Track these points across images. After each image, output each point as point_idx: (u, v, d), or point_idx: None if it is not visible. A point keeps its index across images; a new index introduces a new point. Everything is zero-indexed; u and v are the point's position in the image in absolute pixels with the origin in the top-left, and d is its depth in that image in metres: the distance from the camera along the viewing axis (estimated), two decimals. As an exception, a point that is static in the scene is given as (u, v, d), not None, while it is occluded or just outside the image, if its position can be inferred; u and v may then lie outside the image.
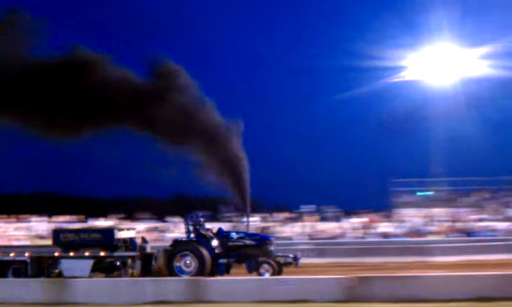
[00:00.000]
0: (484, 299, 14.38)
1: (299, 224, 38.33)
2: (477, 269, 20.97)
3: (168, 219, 39.35)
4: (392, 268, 23.36)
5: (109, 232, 21.95)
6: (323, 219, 40.00)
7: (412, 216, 38.33)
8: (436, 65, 42.69)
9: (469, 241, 31.56)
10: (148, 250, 22.12)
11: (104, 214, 42.15)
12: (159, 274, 20.68)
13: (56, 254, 21.47)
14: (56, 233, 22.19)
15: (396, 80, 45.98)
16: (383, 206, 46.71)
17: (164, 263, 21.06)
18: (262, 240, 22.19)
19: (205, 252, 21.07)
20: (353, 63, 55.27)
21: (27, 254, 21.70)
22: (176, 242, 22.07)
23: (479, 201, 43.59)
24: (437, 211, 40.35)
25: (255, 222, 37.73)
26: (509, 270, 18.43)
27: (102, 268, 21.35)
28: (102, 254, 21.07)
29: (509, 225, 35.80)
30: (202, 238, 21.69)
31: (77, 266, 20.81)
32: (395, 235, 34.81)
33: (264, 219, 39.34)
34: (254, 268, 20.75)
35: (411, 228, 35.16)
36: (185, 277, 19.94)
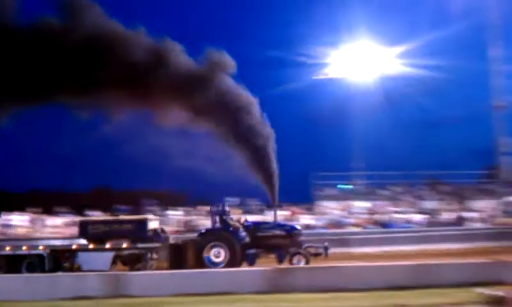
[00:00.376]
0: (398, 288, 14.91)
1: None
2: (392, 259, 21.81)
3: (88, 212, 38.13)
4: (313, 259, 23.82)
5: (142, 223, 21.10)
6: (247, 212, 40.16)
7: (332, 209, 39.24)
8: (357, 63, 43.89)
9: (385, 232, 32.59)
10: (171, 241, 21.66)
11: (19, 208, 40.18)
12: (186, 266, 19.91)
13: (74, 246, 20.50)
14: (84, 225, 21.24)
15: (321, 77, 46.74)
16: (305, 199, 47.64)
17: (193, 255, 20.47)
18: (291, 230, 22.16)
19: (235, 242, 20.76)
20: (279, 60, 55.52)
21: (41, 248, 20.58)
22: (206, 232, 21.48)
23: (395, 194, 45.36)
24: (356, 204, 41.49)
25: (177, 216, 37.38)
26: (422, 260, 19.28)
27: (125, 260, 20.51)
28: (124, 246, 20.23)
29: (423, 217, 37.35)
30: (231, 228, 21.36)
31: (96, 259, 19.82)
32: (316, 227, 35.48)
33: (187, 213, 39.00)
34: (284, 258, 20.65)
35: (331, 220, 35.95)
36: (215, 268, 19.48)
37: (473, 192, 45.97)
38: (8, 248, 20.92)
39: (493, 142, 28.83)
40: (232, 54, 24.13)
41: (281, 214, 36.04)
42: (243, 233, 21.23)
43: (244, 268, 19.25)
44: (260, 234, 21.36)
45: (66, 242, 21.60)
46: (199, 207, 40.79)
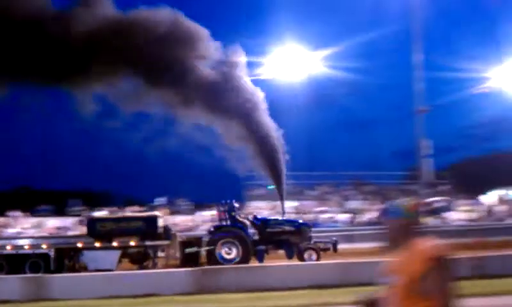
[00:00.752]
0: (324, 286, 15.27)
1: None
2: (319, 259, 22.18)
3: (9, 213, 36.47)
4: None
5: (152, 220, 20.62)
6: (176, 212, 39.76)
7: (262, 208, 39.47)
8: (285, 65, 44.30)
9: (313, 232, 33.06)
10: (179, 238, 21.07)
11: None
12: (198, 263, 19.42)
13: (80, 245, 19.69)
14: (92, 222, 20.58)
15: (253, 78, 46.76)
16: (235, 199, 47.72)
17: (205, 252, 20.10)
18: (301, 226, 21.94)
19: (247, 238, 20.45)
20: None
21: (45, 246, 19.64)
22: (217, 229, 21.02)
23: (322, 194, 46.33)
24: (285, 203, 41.89)
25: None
26: (347, 259, 19.75)
27: (132, 258, 20.03)
28: (132, 243, 19.59)
29: (349, 217, 38.29)
30: (240, 225, 21.04)
31: (103, 258, 19.07)
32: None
33: (112, 213, 38.05)
34: (294, 254, 20.39)
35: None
36: (228, 265, 19.03)
37: (396, 193, 47.72)
38: (9, 247, 19.98)
39: (414, 144, 29.87)
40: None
41: (210, 214, 36.00)
42: (251, 230, 21.10)
43: (171, 269, 18.98)
44: (269, 230, 21.18)
45: (71, 241, 20.92)
46: (128, 208, 39.98)
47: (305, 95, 47.18)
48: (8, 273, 18.83)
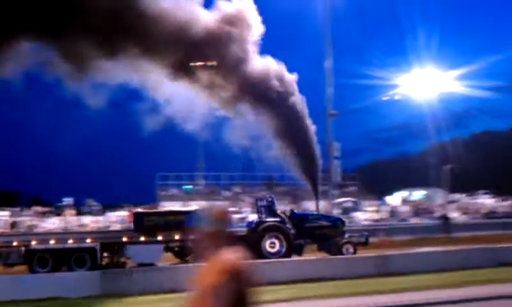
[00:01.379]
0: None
1: (58, 218, 36.38)
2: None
3: None
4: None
5: (194, 213, 18.68)
6: (84, 213, 38.71)
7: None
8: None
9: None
10: None
11: None
12: None
13: (125, 239, 19.26)
14: (139, 217, 20.14)
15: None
16: (148, 199, 47.24)
17: (251, 246, 18.90)
18: (336, 221, 22.32)
19: (289, 233, 20.34)
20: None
21: (89, 240, 18.88)
22: (260, 223, 20.67)
23: (235, 195, 46.76)
24: (197, 204, 41.90)
25: (2, 217, 34.63)
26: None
27: (176, 252, 19.93)
28: (176, 237, 19.38)
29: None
30: (281, 219, 20.93)
31: (147, 252, 18.92)
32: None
33: (14, 214, 36.38)
34: (330, 248, 20.54)
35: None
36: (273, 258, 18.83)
37: (307, 193, 49.00)
38: (52, 241, 19.06)
39: (325, 147, 30.84)
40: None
41: (121, 215, 35.37)
42: (289, 224, 20.99)
43: (73, 272, 18.33)
44: (307, 225, 21.31)
45: (116, 235, 20.52)
46: (34, 208, 38.46)
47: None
48: (52, 269, 18.30)
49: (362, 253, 20.18)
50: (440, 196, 48.72)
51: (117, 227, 30.43)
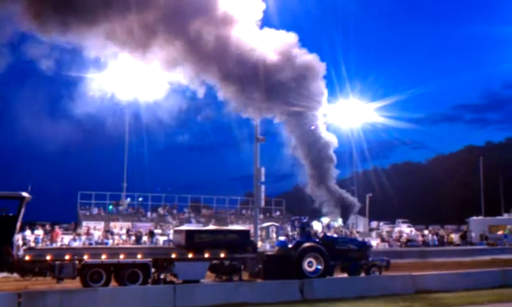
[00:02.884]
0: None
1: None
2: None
3: None
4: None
5: (246, 233, 21.35)
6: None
7: (95, 229, 38.06)
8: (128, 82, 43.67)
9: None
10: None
11: None
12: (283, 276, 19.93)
13: (174, 255, 19.49)
14: (190, 234, 20.34)
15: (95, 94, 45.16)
16: (68, 218, 45.65)
17: (291, 265, 20.76)
18: (363, 245, 23.27)
19: (326, 253, 21.09)
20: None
21: (139, 256, 18.96)
22: (300, 244, 21.36)
23: (159, 216, 46.10)
24: (119, 225, 40.99)
25: None
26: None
27: (222, 270, 20.25)
28: (222, 255, 19.97)
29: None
30: (317, 240, 21.78)
31: (194, 268, 19.42)
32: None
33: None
34: (357, 270, 21.73)
35: (90, 241, 34.78)
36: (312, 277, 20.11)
37: (233, 217, 49.20)
38: (104, 257, 18.67)
39: (252, 171, 30.99)
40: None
41: (38, 233, 33.87)
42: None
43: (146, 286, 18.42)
44: (338, 247, 22.04)
45: (163, 251, 20.66)
46: None
47: (146, 115, 46.67)
48: (105, 283, 18.18)
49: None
50: (361, 223, 50.11)
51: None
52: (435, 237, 43.82)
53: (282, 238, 24.48)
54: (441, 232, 46.32)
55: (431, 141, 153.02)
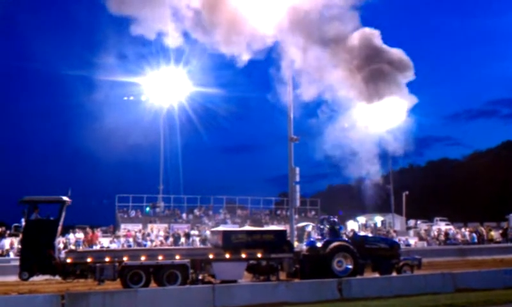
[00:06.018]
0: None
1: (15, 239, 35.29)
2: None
3: None
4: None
5: (282, 233, 21.45)
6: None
7: (133, 231, 38.72)
8: (161, 88, 44.32)
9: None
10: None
11: None
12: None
13: (211, 256, 19.79)
14: (227, 235, 20.58)
15: (128, 99, 45.96)
16: (106, 221, 46.51)
17: (321, 265, 20.68)
18: (393, 244, 23.28)
19: (355, 252, 21.07)
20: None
21: (178, 257, 19.28)
22: (328, 243, 21.32)
23: (195, 217, 46.52)
24: (156, 226, 41.56)
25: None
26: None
27: (260, 270, 20.28)
28: (259, 255, 20.09)
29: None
30: (348, 240, 21.80)
31: (231, 269, 19.61)
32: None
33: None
34: (388, 269, 21.45)
35: (129, 242, 35.37)
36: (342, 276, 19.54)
37: (268, 217, 49.30)
38: (143, 258, 19.17)
39: (286, 171, 31.03)
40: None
41: (78, 237, 34.61)
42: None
43: (33, 294, 17.89)
44: (368, 246, 21.95)
45: (201, 252, 21.07)
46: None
47: (179, 118, 47.24)
48: (145, 284, 18.70)
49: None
50: (398, 222, 49.61)
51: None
52: (474, 235, 42.96)
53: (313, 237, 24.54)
54: (481, 229, 45.38)
55: (468, 138, 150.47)
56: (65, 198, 19.31)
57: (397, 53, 28.42)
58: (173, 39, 25.73)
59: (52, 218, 19.11)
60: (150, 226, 41.88)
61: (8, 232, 35.13)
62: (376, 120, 43.60)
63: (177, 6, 24.46)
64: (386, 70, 27.83)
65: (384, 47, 28.28)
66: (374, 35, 27.92)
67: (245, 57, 26.00)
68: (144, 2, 24.13)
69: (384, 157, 51.67)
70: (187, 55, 32.76)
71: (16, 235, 28.34)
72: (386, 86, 28.16)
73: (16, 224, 21.74)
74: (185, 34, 25.52)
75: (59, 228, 19.45)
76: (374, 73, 27.40)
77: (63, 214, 19.21)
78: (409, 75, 28.62)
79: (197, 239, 36.47)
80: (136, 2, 23.97)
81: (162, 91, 44.69)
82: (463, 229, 46.47)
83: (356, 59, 27.04)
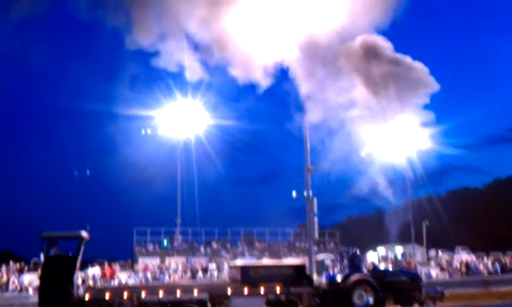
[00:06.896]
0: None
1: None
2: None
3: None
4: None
5: (301, 268, 21.43)
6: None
7: (151, 265, 38.62)
8: (178, 120, 44.58)
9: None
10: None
11: None
12: None
13: (230, 291, 19.54)
14: (245, 269, 20.50)
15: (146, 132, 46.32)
16: (124, 255, 46.44)
17: (342, 299, 20.39)
18: (414, 277, 22.94)
19: (376, 286, 20.81)
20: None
21: (196, 292, 19.20)
22: (348, 276, 21.07)
23: (213, 251, 46.25)
24: (174, 260, 41.41)
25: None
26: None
27: (278, 305, 19.93)
28: (278, 290, 19.84)
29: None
30: (368, 273, 21.67)
31: (249, 304, 19.39)
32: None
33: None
34: (409, 302, 21.27)
35: (147, 277, 35.27)
36: None
37: (286, 249, 48.83)
38: (161, 294, 19.09)
39: (303, 202, 30.82)
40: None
41: (95, 272, 34.57)
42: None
43: None
44: (388, 279, 21.71)
45: (219, 287, 21.06)
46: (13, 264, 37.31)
47: (196, 150, 47.38)
48: None
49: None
50: (418, 252, 48.82)
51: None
52: (497, 264, 42.07)
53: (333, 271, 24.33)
54: (504, 259, 44.45)
55: (488, 165, 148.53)
56: (84, 234, 19.37)
57: (418, 68, 28.28)
58: (190, 72, 26.05)
59: (70, 254, 19.17)
60: (167, 259, 41.72)
61: (27, 268, 35.34)
62: (394, 148, 43.46)
63: (194, 39, 24.78)
64: (403, 85, 27.66)
65: (402, 60, 28.16)
66: (387, 49, 27.91)
67: (261, 87, 26.19)
68: (162, 36, 24.49)
69: (403, 186, 51.46)
70: (204, 88, 32.98)
71: (35, 271, 28.45)
72: (403, 102, 27.93)
73: (35, 260, 21.87)
74: (203, 66, 25.80)
75: (78, 264, 19.48)
76: (390, 88, 27.23)
77: (82, 250, 19.26)
78: (430, 92, 28.42)
79: (215, 273, 36.22)
80: (153, 35, 24.35)
81: (178, 123, 44.95)
82: (485, 259, 45.57)
83: (371, 78, 26.94)
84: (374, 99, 27.19)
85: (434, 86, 28.38)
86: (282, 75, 26.77)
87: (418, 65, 28.77)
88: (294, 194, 31.11)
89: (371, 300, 20.59)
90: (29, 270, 33.84)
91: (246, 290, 19.64)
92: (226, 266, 34.19)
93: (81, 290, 19.84)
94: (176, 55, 25.01)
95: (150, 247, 45.62)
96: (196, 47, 25.10)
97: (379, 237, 46.92)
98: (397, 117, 29.63)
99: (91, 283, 31.26)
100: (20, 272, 34.48)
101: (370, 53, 27.66)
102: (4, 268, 35.02)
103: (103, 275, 34.70)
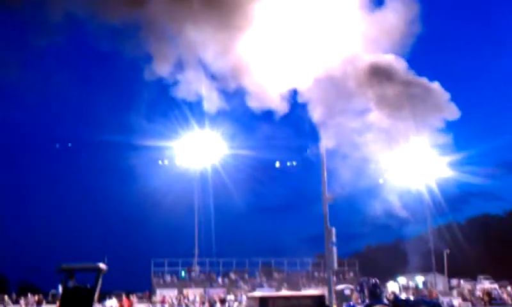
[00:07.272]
0: None
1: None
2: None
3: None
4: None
5: (320, 298, 21.61)
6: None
7: (170, 296, 38.38)
8: (195, 150, 44.78)
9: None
10: None
11: None
12: None
13: None
14: (264, 301, 20.64)
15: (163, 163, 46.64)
16: (142, 286, 46.23)
17: None
18: (436, 305, 23.62)
19: None
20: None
21: None
22: (371, 306, 21.44)
23: (231, 281, 45.87)
24: (191, 291, 41.14)
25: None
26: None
27: None
28: None
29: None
30: (389, 303, 21.83)
31: None
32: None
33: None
34: None
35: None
36: None
37: (305, 279, 48.23)
38: None
39: (322, 231, 30.46)
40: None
41: (113, 305, 34.40)
42: None
43: None
44: None
45: None
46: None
47: (211, 180, 47.44)
48: None
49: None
50: (440, 281, 47.95)
51: None
52: (521, 293, 41.15)
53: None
54: (527, 288, 43.47)
55: (508, 192, 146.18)
56: (102, 266, 19.31)
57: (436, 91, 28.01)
58: (207, 102, 26.15)
59: (89, 285, 19.08)
60: (185, 291, 41.43)
61: (45, 300, 35.31)
62: (413, 176, 43.07)
63: (211, 68, 24.91)
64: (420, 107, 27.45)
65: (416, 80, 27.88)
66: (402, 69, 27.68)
67: (277, 115, 26.16)
68: (180, 65, 24.65)
69: (422, 213, 50.84)
70: (220, 117, 33.14)
71: (53, 303, 28.40)
72: (420, 126, 27.63)
73: (53, 292, 21.86)
74: (220, 95, 25.90)
75: (96, 296, 19.38)
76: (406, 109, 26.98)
77: (100, 281, 19.16)
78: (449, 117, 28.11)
79: (233, 304, 35.83)
80: (171, 65, 24.51)
81: (196, 153, 45.16)
82: (508, 288, 44.55)
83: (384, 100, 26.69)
84: (390, 122, 26.91)
85: (454, 112, 28.03)
86: (298, 102, 26.76)
87: (437, 87, 28.54)
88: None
89: None
90: (48, 302, 33.76)
91: None
92: (244, 297, 33.79)
93: None
94: (194, 85, 25.12)
95: (168, 278, 45.41)
96: (212, 76, 25.23)
97: (398, 266, 46.28)
98: (414, 142, 29.28)
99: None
100: (39, 304, 34.43)
101: (383, 74, 27.54)
102: (22, 300, 35.02)
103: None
